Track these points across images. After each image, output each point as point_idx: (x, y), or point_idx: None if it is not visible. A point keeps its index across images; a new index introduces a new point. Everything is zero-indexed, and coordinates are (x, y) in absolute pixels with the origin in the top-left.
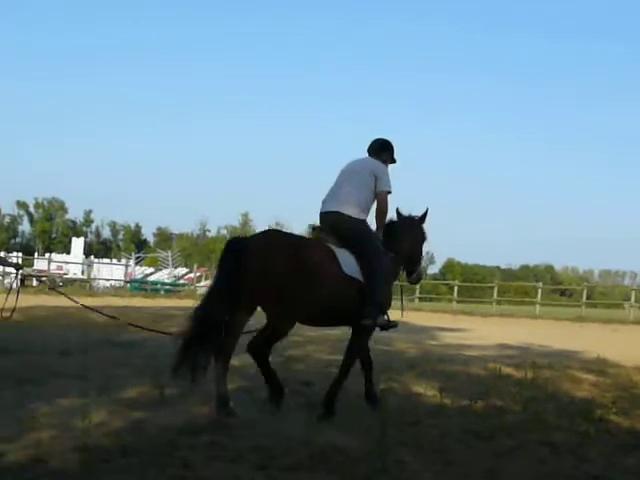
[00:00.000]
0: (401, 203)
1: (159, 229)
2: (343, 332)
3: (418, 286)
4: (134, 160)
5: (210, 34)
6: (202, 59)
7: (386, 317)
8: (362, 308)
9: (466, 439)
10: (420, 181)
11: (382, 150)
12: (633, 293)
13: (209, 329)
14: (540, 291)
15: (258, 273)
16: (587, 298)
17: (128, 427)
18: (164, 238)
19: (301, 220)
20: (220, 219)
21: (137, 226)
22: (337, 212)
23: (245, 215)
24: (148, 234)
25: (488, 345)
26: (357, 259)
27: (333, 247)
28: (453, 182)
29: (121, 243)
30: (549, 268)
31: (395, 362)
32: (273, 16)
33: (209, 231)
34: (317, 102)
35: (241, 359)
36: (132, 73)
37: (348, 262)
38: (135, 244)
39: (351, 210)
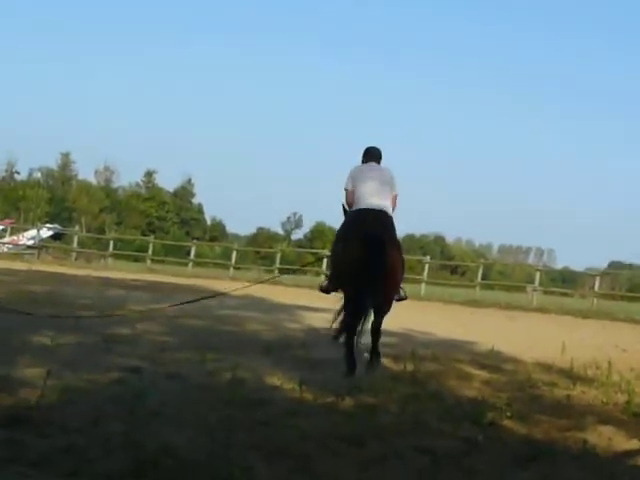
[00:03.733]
0: None
1: None
2: (180, 309)
3: (278, 255)
4: None
5: None
6: None
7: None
8: None
9: (330, 443)
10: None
11: (380, 158)
12: (537, 274)
13: None
14: (427, 267)
15: None
16: (483, 278)
17: None
18: None
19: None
20: (33, 159)
21: None
22: (382, 210)
23: (66, 155)
24: None
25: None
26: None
27: None
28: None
29: None
30: (439, 240)
31: (246, 347)
32: None
33: (18, 173)
34: None
35: None
36: None
37: None
38: None
39: (389, 209)
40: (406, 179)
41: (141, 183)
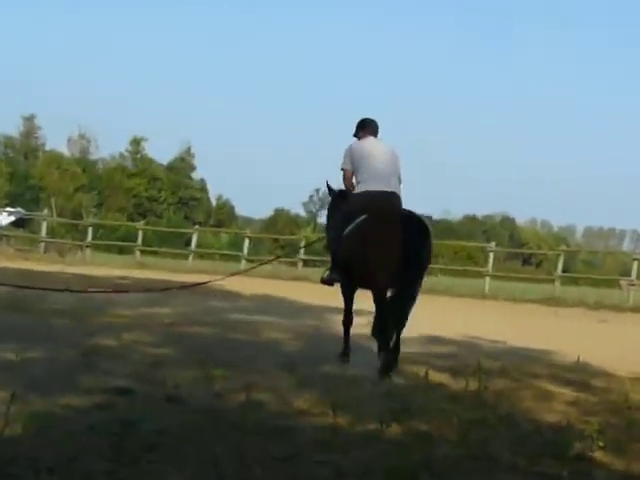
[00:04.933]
0: None
1: None
2: (174, 312)
3: (302, 243)
4: None
5: None
6: None
7: None
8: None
9: None
10: None
11: (378, 131)
12: (635, 264)
13: None
14: (492, 256)
15: None
16: (564, 270)
17: None
18: None
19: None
20: None
21: None
22: (394, 192)
23: (29, 120)
24: None
25: (409, 338)
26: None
27: None
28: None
29: None
30: (507, 222)
31: (265, 362)
32: None
33: None
34: None
35: None
36: None
37: None
38: None
39: (399, 191)
40: (460, 150)
41: (126, 154)
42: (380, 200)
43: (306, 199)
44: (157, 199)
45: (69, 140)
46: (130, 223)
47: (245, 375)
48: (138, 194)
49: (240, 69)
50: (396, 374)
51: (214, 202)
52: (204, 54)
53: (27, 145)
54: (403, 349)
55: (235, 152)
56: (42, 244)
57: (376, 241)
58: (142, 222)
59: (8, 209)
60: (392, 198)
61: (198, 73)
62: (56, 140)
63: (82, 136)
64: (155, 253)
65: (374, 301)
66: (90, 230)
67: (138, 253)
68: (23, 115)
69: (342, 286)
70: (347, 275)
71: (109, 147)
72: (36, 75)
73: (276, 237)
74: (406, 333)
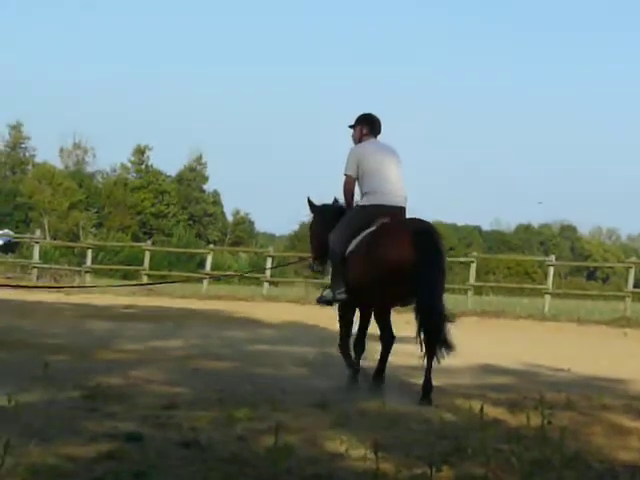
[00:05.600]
0: None
1: None
2: (188, 344)
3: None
4: None
5: None
6: None
7: None
8: None
9: None
10: None
11: (381, 131)
12: None
13: None
14: (552, 271)
15: None
16: (635, 285)
17: None
18: None
19: None
20: None
21: None
22: (404, 208)
23: (16, 128)
24: None
25: (460, 367)
26: None
27: None
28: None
29: None
30: (568, 231)
31: (294, 399)
32: None
33: None
34: None
35: None
36: None
37: None
38: None
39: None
40: (509, 150)
41: (129, 165)
42: (391, 214)
43: None
44: (165, 215)
45: (62, 151)
46: (135, 244)
47: (272, 415)
48: (143, 210)
49: (256, 67)
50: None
51: (230, 218)
52: (212, 50)
53: (14, 158)
54: (453, 381)
55: (253, 160)
56: (35, 270)
57: (387, 256)
58: (148, 242)
59: None
60: (402, 213)
61: (207, 71)
62: (47, 151)
63: (77, 146)
64: (164, 277)
65: (375, 317)
66: (89, 253)
67: (145, 278)
68: (9, 123)
69: (344, 306)
70: (353, 294)
71: (108, 158)
72: (23, 76)
73: (303, 256)
74: (456, 362)
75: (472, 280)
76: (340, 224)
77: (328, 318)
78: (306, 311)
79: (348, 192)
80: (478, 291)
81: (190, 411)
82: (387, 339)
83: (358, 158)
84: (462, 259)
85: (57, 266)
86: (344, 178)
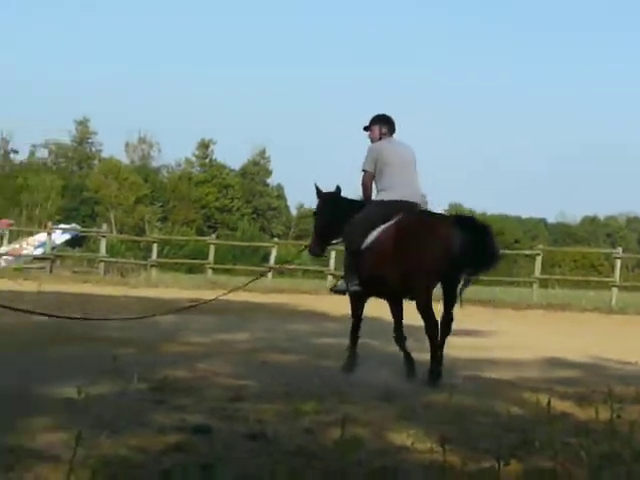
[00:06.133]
0: None
1: None
2: (254, 337)
3: None
4: None
5: None
6: None
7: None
8: None
9: None
10: None
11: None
12: None
13: None
14: (619, 264)
15: None
16: None
17: None
18: None
19: None
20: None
21: None
22: (416, 203)
23: (83, 124)
24: None
25: (526, 360)
26: None
27: None
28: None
29: None
30: (635, 223)
31: (358, 391)
32: None
33: (15, 152)
34: None
35: None
36: None
37: None
38: None
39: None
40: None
41: (194, 159)
42: (406, 209)
43: None
44: (229, 209)
45: (128, 145)
46: (200, 238)
47: (338, 408)
48: (208, 204)
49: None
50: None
51: (294, 211)
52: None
53: (81, 153)
54: (520, 374)
55: (317, 152)
56: (101, 265)
57: (405, 249)
58: (213, 236)
59: (62, 226)
60: (418, 209)
61: (271, 61)
62: (113, 146)
63: (142, 140)
64: (229, 271)
65: (394, 311)
66: (155, 247)
67: (210, 272)
68: (76, 119)
69: (356, 295)
70: (366, 286)
71: (173, 152)
72: (88, 74)
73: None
74: (523, 355)
75: (537, 273)
76: (358, 218)
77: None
78: (369, 303)
79: (367, 188)
80: (544, 284)
81: (257, 404)
82: (438, 328)
83: (377, 155)
84: (527, 252)
85: (123, 260)
86: (362, 174)
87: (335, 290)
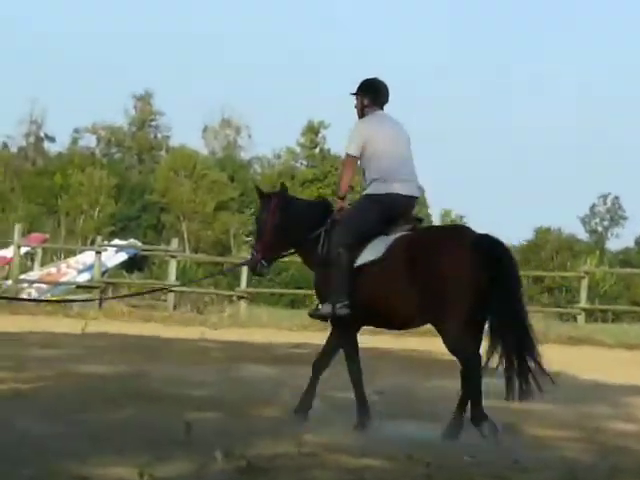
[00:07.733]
0: None
1: None
2: (379, 398)
3: (584, 282)
4: None
5: None
6: None
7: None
8: None
9: None
10: None
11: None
12: None
13: None
14: None
15: None
16: None
17: None
18: None
19: None
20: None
21: None
22: (416, 198)
23: (144, 99)
24: None
25: None
26: None
27: None
28: None
29: None
30: None
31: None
32: None
33: (51, 140)
34: None
35: None
36: None
37: None
38: None
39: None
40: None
41: (298, 149)
42: (407, 208)
43: (586, 211)
44: None
45: (206, 130)
46: None
47: None
48: None
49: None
50: None
51: (439, 218)
52: None
53: (142, 140)
54: None
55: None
56: (170, 295)
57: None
58: None
59: (116, 242)
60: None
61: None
62: (187, 131)
63: (227, 123)
64: None
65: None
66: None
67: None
68: (135, 94)
69: (342, 324)
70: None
71: (269, 139)
72: (151, 41)
73: (540, 274)
74: None
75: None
76: (346, 220)
77: (581, 362)
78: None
79: (348, 175)
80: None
81: None
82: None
83: (366, 136)
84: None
85: (201, 290)
86: (346, 158)
87: (315, 315)
